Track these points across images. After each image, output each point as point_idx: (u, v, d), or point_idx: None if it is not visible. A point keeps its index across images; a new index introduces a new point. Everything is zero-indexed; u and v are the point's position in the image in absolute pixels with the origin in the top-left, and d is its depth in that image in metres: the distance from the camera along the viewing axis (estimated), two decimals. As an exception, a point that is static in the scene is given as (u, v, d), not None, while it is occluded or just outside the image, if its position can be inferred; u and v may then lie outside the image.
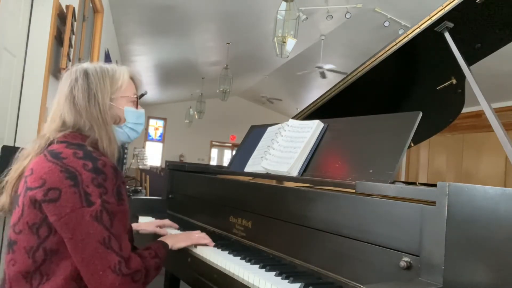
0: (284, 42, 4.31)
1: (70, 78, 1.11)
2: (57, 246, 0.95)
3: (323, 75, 6.89)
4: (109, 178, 0.97)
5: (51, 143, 1.04)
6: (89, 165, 0.96)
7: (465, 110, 1.85)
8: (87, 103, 1.07)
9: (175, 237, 1.32)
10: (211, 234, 1.47)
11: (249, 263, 1.17)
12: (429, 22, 1.41)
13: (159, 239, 1.25)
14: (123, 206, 1.00)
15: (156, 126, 12.73)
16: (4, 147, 1.96)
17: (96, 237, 0.93)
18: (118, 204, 0.98)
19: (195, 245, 1.34)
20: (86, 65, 1.14)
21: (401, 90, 1.91)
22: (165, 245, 1.20)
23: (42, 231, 0.95)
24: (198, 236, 1.37)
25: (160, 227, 1.55)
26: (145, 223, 1.57)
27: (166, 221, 1.59)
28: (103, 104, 1.09)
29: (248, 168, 1.66)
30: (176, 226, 1.60)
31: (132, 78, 1.20)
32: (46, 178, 0.95)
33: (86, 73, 1.10)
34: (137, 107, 1.19)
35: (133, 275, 0.97)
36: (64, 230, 0.93)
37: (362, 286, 0.93)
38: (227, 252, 1.27)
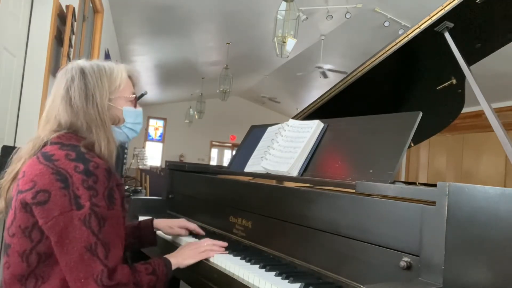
0: (284, 42, 4.31)
1: (65, 77, 1.06)
2: (51, 249, 0.93)
3: (324, 75, 6.88)
4: (100, 181, 0.94)
5: (45, 145, 1.01)
6: (80, 167, 0.93)
7: (465, 110, 1.85)
8: (85, 104, 1.03)
9: (182, 254, 1.22)
10: (211, 234, 1.47)
11: (249, 263, 1.17)
12: (429, 22, 1.41)
13: (165, 256, 1.17)
14: (114, 210, 0.96)
15: (156, 126, 12.72)
16: (4, 147, 1.96)
17: (82, 242, 0.90)
18: (109, 208, 0.95)
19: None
20: (82, 63, 1.09)
21: (401, 90, 1.91)
22: (167, 263, 1.12)
23: (35, 234, 0.94)
24: (207, 248, 1.25)
25: (183, 228, 1.45)
26: (166, 222, 1.45)
27: (191, 225, 1.48)
28: (101, 105, 1.05)
29: (248, 168, 1.66)
30: (202, 232, 1.47)
31: (130, 77, 1.15)
32: (37, 180, 0.93)
33: (82, 72, 1.05)
34: (135, 106, 1.16)
35: (115, 287, 0.93)
36: (51, 233, 0.91)
37: (362, 286, 0.93)
38: (227, 252, 1.27)
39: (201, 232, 1.48)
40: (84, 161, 0.95)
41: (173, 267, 1.15)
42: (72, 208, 0.91)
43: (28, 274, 0.95)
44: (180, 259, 1.19)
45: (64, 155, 0.95)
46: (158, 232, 1.47)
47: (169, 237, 1.51)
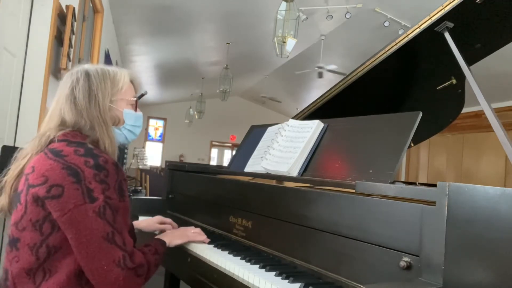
0: (284, 42, 4.31)
1: (71, 78, 1.13)
2: (60, 243, 0.96)
3: (320, 75, 6.89)
4: (110, 174, 0.99)
5: (51, 142, 1.05)
6: (90, 162, 0.97)
7: (465, 110, 1.85)
8: (88, 104, 1.09)
9: (172, 235, 1.33)
10: (211, 234, 1.47)
11: (249, 263, 1.17)
12: (429, 22, 1.41)
13: (156, 237, 1.26)
14: (124, 202, 1.02)
15: (156, 126, 12.72)
16: (4, 147, 1.96)
17: (99, 233, 0.94)
18: (120, 200, 1.00)
19: (191, 242, 1.37)
20: (87, 66, 1.16)
21: (401, 90, 1.91)
22: (163, 243, 1.22)
23: (45, 227, 0.96)
24: (193, 232, 1.39)
25: (161, 223, 1.54)
26: (146, 221, 1.55)
27: (167, 219, 1.57)
28: (103, 105, 1.11)
29: (248, 168, 1.66)
30: (176, 225, 1.57)
31: (132, 81, 1.22)
32: (48, 175, 0.96)
33: (87, 74, 1.12)
34: (135, 110, 1.21)
35: (137, 269, 0.99)
36: (67, 226, 0.94)
37: (362, 286, 0.93)
38: (227, 252, 1.27)
39: (176, 225, 1.56)
40: (94, 156, 0.99)
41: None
42: (86, 201, 0.94)
43: (37, 268, 0.97)
44: (170, 239, 1.29)
45: (73, 151, 0.99)
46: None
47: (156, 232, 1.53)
